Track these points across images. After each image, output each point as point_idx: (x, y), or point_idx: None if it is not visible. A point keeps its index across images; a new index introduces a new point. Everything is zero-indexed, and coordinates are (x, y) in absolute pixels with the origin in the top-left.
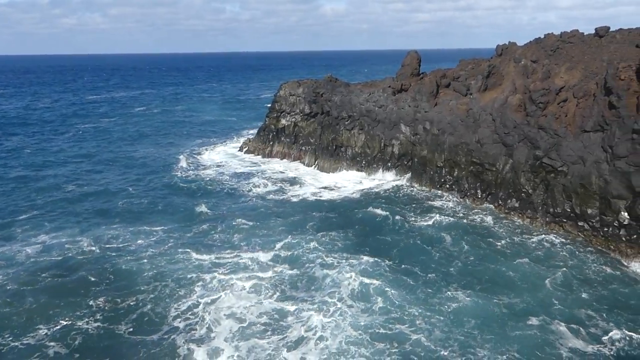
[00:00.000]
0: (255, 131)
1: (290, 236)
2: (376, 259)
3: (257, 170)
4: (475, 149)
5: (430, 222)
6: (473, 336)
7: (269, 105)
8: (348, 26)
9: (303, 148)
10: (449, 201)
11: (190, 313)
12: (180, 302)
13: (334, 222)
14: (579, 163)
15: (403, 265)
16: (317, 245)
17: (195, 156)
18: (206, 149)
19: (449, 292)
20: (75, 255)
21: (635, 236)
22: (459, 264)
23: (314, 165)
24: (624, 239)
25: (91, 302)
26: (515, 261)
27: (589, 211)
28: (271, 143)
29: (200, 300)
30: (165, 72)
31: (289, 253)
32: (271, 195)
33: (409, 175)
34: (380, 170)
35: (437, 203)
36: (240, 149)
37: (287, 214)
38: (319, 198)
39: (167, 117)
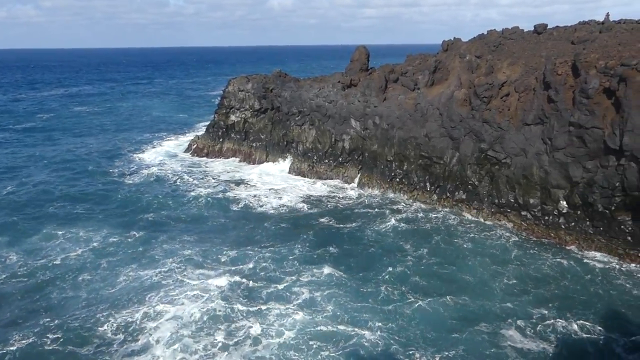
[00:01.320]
0: (204, 128)
1: (237, 246)
2: (329, 269)
3: (204, 170)
4: (424, 143)
5: (385, 226)
6: (421, 342)
7: (218, 101)
8: (296, 21)
9: (254, 144)
10: (401, 202)
11: (127, 331)
12: (116, 319)
13: (284, 230)
14: (521, 155)
15: (355, 274)
16: (266, 255)
17: (139, 155)
18: (151, 148)
19: (401, 298)
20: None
21: (573, 223)
22: (412, 268)
23: (263, 163)
24: (563, 226)
25: (18, 320)
26: (470, 262)
27: (531, 201)
28: (221, 140)
29: (138, 317)
30: (106, 68)
31: (236, 267)
32: (218, 199)
33: (359, 175)
34: (331, 168)
35: (391, 206)
36: (189, 147)
37: (235, 220)
38: (268, 203)
39: (109, 115)
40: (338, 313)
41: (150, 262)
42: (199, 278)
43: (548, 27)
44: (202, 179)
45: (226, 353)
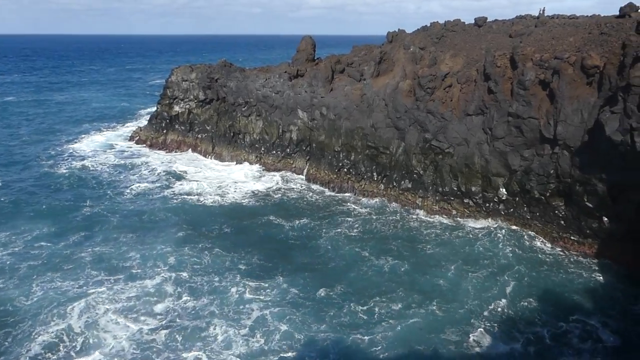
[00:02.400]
0: (145, 119)
1: (178, 250)
2: (280, 279)
3: (144, 162)
4: (370, 133)
5: (337, 228)
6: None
7: (160, 91)
8: (240, 10)
9: (199, 136)
10: (351, 200)
11: (51, 349)
12: (42, 334)
13: (230, 231)
14: (464, 144)
15: (311, 287)
16: (210, 262)
17: (74, 146)
18: (88, 139)
19: (367, 317)
20: None
21: (511, 210)
22: (374, 279)
23: (210, 155)
24: (502, 212)
25: None
26: (434, 266)
27: (473, 189)
28: (164, 131)
29: (65, 332)
30: (38, 56)
31: (177, 276)
32: (157, 195)
33: (307, 166)
34: (279, 159)
35: (341, 202)
36: (131, 138)
37: (176, 220)
38: (212, 199)
39: (41, 106)
40: (295, 337)
41: (78, 268)
42: (132, 291)
43: (488, 20)
44: (141, 172)
45: None
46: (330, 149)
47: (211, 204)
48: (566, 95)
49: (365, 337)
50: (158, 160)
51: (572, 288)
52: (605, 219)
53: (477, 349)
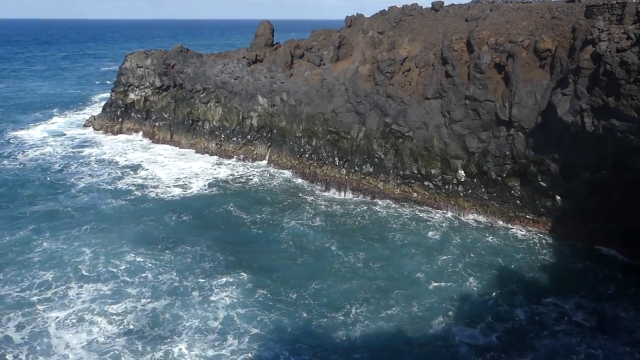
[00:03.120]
0: (99, 106)
1: (135, 248)
2: (240, 276)
3: (98, 152)
4: (331, 118)
5: (301, 221)
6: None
7: (114, 79)
8: None
9: (157, 124)
10: (313, 188)
11: None
12: None
13: (190, 227)
14: (423, 128)
15: (278, 285)
16: (169, 260)
17: (22, 135)
18: (37, 128)
19: (343, 317)
20: None
21: (470, 191)
22: (330, 270)
23: (168, 144)
24: (461, 194)
25: None
26: (403, 259)
27: (433, 171)
28: (120, 119)
29: (3, 345)
30: None
31: (133, 277)
32: (112, 188)
33: (268, 152)
34: (240, 146)
35: (303, 194)
36: (84, 127)
37: (132, 214)
38: (171, 190)
39: None
40: (267, 337)
41: (22, 270)
42: (85, 294)
43: (444, 5)
44: (94, 162)
45: None
46: (292, 135)
47: (170, 196)
48: (520, 78)
49: (342, 335)
50: (113, 149)
51: (534, 268)
52: (558, 197)
53: (456, 340)
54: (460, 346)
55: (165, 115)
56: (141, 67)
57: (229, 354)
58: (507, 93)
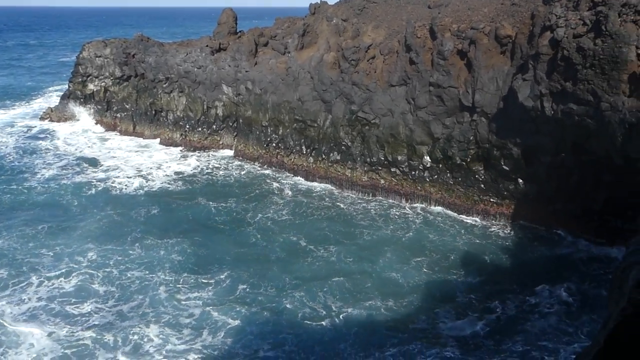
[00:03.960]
0: (54, 97)
1: (99, 244)
2: (212, 270)
3: (54, 146)
4: (297, 107)
5: (269, 214)
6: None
7: (72, 69)
8: None
9: (118, 115)
10: (281, 181)
11: None
12: None
13: (157, 222)
14: (389, 115)
15: (245, 275)
16: (138, 255)
17: None
18: None
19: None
20: None
21: (435, 176)
22: (322, 270)
23: (131, 135)
24: (427, 179)
25: None
26: (374, 251)
27: (399, 158)
28: (79, 111)
29: None
30: None
31: (98, 273)
32: (72, 183)
33: (235, 142)
34: (205, 136)
35: (271, 183)
36: (41, 119)
37: (95, 211)
38: (136, 186)
39: None
40: (245, 330)
41: None
42: (46, 291)
43: None
44: (52, 155)
45: None
46: (258, 124)
47: (134, 190)
48: (482, 65)
49: (325, 326)
50: (71, 142)
51: (501, 257)
52: (520, 180)
53: (443, 331)
54: (445, 331)
55: (127, 106)
56: (100, 56)
57: (205, 346)
58: (469, 79)
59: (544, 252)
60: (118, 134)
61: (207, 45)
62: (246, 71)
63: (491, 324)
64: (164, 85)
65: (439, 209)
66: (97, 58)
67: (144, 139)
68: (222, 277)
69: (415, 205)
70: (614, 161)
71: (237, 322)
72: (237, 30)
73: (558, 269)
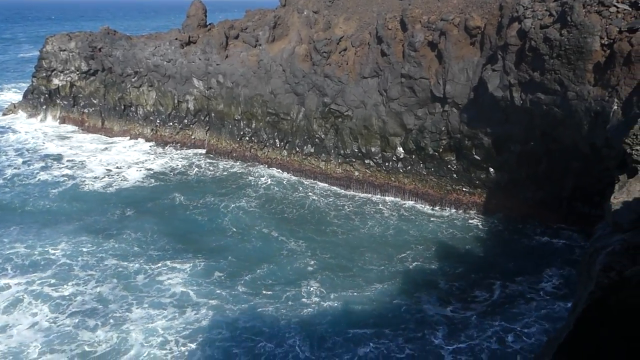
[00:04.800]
0: (16, 91)
1: (73, 240)
2: (189, 259)
3: (18, 143)
4: (270, 100)
5: (244, 207)
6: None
7: (35, 63)
8: None
9: (86, 110)
10: (254, 174)
11: None
12: None
13: (130, 217)
14: (361, 107)
15: (223, 262)
16: (113, 247)
17: None
18: None
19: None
20: None
21: (409, 167)
22: (280, 256)
23: (99, 131)
24: (401, 170)
25: None
26: (345, 241)
27: (373, 149)
28: (44, 107)
29: None
30: None
31: (75, 263)
32: (38, 181)
33: (207, 136)
34: (177, 131)
35: (245, 178)
36: (4, 115)
37: (64, 210)
38: (107, 183)
39: None
40: (227, 307)
41: None
42: (23, 281)
43: None
44: (16, 153)
45: None
46: (230, 118)
47: (104, 187)
48: (452, 56)
49: (308, 304)
50: (37, 139)
51: (476, 246)
52: (492, 169)
53: (427, 316)
54: (430, 316)
55: (95, 101)
56: (64, 50)
57: (187, 324)
58: (440, 70)
59: (519, 240)
60: (86, 129)
61: (176, 39)
62: (217, 64)
63: (475, 308)
64: (133, 80)
65: (411, 202)
66: (61, 52)
67: (112, 134)
68: (200, 264)
69: (389, 197)
70: (580, 149)
71: (217, 300)
72: (207, 23)
73: (533, 255)
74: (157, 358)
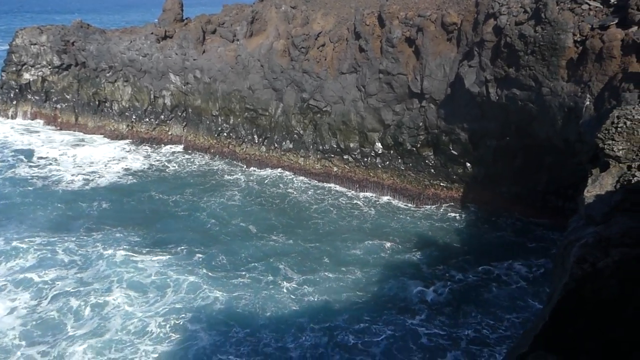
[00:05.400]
0: None
1: (48, 235)
2: (172, 248)
3: None
4: (248, 96)
5: (223, 202)
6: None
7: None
8: None
9: (58, 106)
10: (233, 171)
11: None
12: None
13: (107, 213)
14: (340, 103)
15: (204, 248)
16: (92, 240)
17: None
18: None
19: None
20: None
21: (387, 162)
22: (262, 248)
23: (73, 127)
24: (379, 166)
25: None
26: (322, 230)
27: (351, 145)
28: (14, 102)
29: None
30: None
31: (51, 255)
32: (9, 178)
33: (184, 132)
34: (153, 127)
35: (223, 174)
36: None
37: (37, 208)
38: (82, 181)
39: None
40: (206, 288)
41: None
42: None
43: None
44: None
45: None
46: (208, 114)
47: (81, 184)
48: (430, 52)
49: (284, 292)
50: (6, 135)
51: (452, 238)
52: (469, 164)
53: (407, 301)
54: (409, 301)
55: (68, 97)
56: (35, 44)
57: (165, 309)
58: (418, 66)
59: (494, 231)
60: (58, 125)
61: (152, 33)
62: (194, 59)
63: (453, 293)
64: (108, 75)
65: (389, 197)
66: (32, 46)
67: (87, 130)
68: (178, 251)
69: (368, 193)
70: (554, 144)
71: (193, 288)
72: (184, 17)
73: (507, 246)
74: (134, 341)
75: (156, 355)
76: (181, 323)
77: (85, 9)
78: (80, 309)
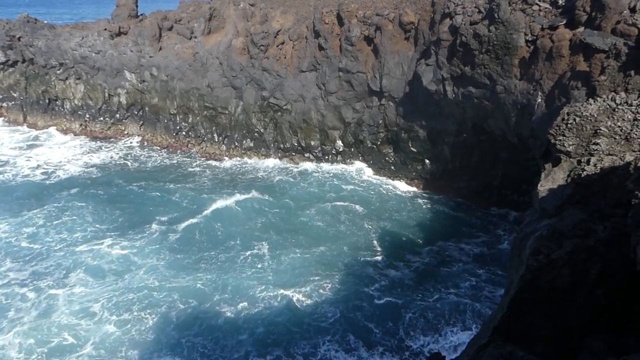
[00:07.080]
0: None
1: (8, 222)
2: (145, 230)
3: None
4: (207, 94)
5: (185, 185)
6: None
7: None
8: None
9: (5, 104)
10: (193, 157)
11: None
12: None
13: (67, 206)
14: (300, 101)
15: (176, 229)
16: (58, 225)
17: None
18: None
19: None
20: None
21: (348, 160)
22: (241, 229)
23: (21, 126)
24: (341, 163)
25: None
26: (296, 210)
27: (312, 143)
28: None
29: None
30: None
31: (14, 240)
32: None
33: (141, 131)
34: (108, 126)
35: (186, 167)
36: None
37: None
38: (39, 179)
39: None
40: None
41: None
42: None
43: None
44: None
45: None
46: (166, 112)
47: (40, 180)
48: (388, 50)
49: (251, 265)
50: None
51: (416, 219)
52: (427, 161)
53: (370, 275)
54: (370, 277)
55: (15, 95)
56: None
57: (124, 291)
58: (376, 65)
59: (456, 217)
60: (5, 124)
61: (105, 29)
62: (150, 56)
63: (416, 270)
64: (58, 72)
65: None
66: None
67: (36, 129)
68: (142, 237)
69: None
70: (508, 140)
71: (156, 270)
72: (138, 14)
73: (468, 229)
74: (80, 323)
75: (100, 335)
76: (132, 305)
77: (35, 3)
78: (33, 293)
